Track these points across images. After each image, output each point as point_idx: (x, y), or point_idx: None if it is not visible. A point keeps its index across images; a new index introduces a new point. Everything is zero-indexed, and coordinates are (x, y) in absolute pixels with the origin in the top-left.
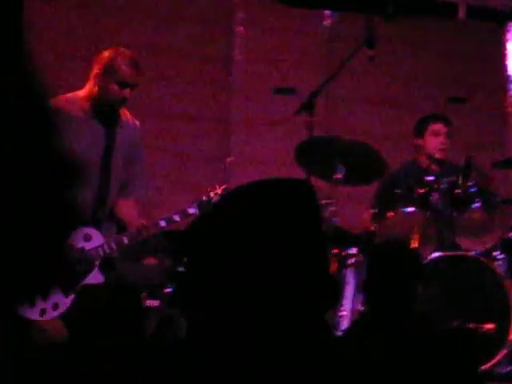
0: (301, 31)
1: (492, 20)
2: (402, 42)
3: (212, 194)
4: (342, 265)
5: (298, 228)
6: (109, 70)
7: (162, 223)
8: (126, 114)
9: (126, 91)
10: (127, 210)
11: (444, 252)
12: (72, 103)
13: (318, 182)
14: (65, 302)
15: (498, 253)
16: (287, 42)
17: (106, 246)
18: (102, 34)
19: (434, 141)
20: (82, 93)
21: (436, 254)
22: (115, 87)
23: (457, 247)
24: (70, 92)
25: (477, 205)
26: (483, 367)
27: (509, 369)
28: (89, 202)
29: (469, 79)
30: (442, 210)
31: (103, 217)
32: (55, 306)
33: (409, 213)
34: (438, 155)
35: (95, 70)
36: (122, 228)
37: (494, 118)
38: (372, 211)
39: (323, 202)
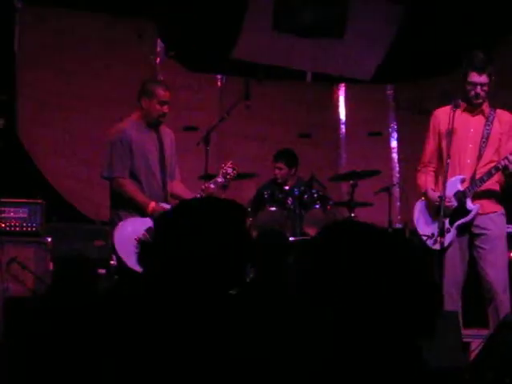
0: (201, 88)
1: (328, 81)
2: (263, 95)
3: (227, 168)
4: None
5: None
6: (150, 95)
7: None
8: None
9: (165, 107)
10: (180, 188)
11: (296, 237)
12: (132, 124)
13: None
14: None
15: None
16: (193, 95)
17: None
18: None
19: (275, 171)
20: (134, 116)
21: (291, 239)
22: (157, 106)
23: (305, 234)
24: (124, 119)
25: (317, 206)
26: None
27: None
28: (159, 185)
29: (314, 121)
30: (294, 209)
31: (167, 194)
32: None
33: (272, 211)
34: (278, 181)
35: (141, 97)
36: None
37: (330, 148)
38: (248, 209)
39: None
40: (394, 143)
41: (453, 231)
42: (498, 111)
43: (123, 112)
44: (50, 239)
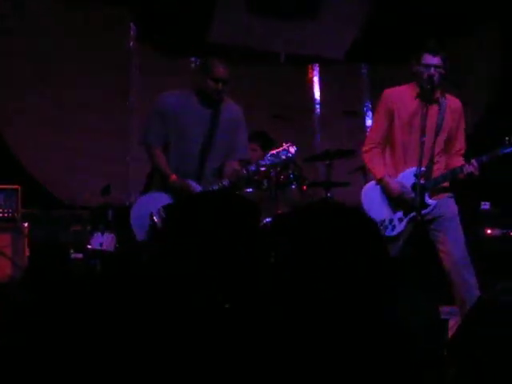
0: (173, 71)
1: (302, 61)
2: (237, 77)
3: (274, 152)
4: None
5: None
6: (206, 70)
7: (225, 182)
8: (227, 100)
9: (219, 85)
10: (228, 168)
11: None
12: (181, 95)
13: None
14: None
15: None
16: (166, 79)
17: None
18: None
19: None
20: (189, 89)
21: (268, 219)
22: (210, 83)
23: None
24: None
25: (293, 186)
26: None
27: None
28: (194, 162)
29: (288, 101)
30: (270, 190)
31: (204, 173)
32: None
33: (249, 192)
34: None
35: (199, 71)
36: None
37: (305, 128)
38: None
39: None
40: (369, 122)
41: (405, 221)
42: (449, 98)
43: (99, 99)
44: (26, 225)
